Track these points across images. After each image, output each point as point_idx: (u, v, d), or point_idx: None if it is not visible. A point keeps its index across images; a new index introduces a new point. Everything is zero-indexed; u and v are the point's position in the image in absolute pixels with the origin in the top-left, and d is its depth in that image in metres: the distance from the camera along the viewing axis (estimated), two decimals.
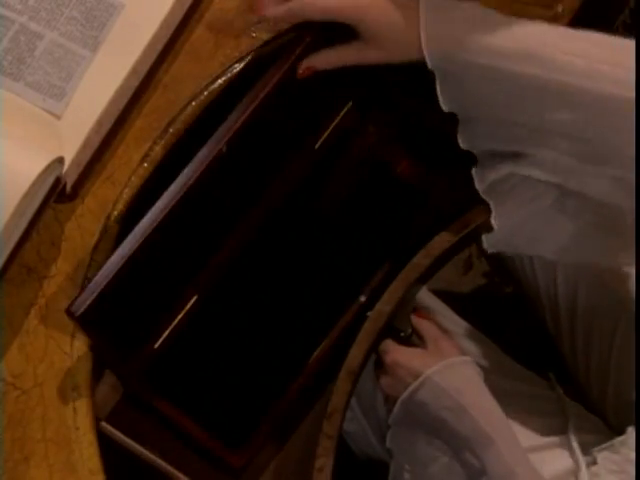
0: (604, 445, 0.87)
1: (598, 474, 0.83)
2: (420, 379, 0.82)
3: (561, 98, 0.72)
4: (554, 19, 0.89)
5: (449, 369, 0.82)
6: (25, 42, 0.82)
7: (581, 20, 0.90)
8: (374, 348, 0.89)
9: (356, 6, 0.75)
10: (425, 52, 0.74)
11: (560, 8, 0.89)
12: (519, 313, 1.21)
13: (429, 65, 0.75)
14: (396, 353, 0.87)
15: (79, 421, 0.81)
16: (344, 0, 0.75)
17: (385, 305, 0.87)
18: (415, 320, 0.90)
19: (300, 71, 0.80)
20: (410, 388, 0.83)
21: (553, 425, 0.92)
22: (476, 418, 0.80)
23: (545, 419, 0.93)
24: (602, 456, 0.85)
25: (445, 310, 1.05)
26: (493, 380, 0.95)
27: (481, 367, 0.97)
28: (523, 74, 0.72)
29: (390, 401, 0.86)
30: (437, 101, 0.79)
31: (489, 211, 0.88)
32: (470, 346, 1.02)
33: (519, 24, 0.74)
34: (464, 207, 0.89)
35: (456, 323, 1.04)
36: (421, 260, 0.88)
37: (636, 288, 0.91)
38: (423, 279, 0.92)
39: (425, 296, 1.04)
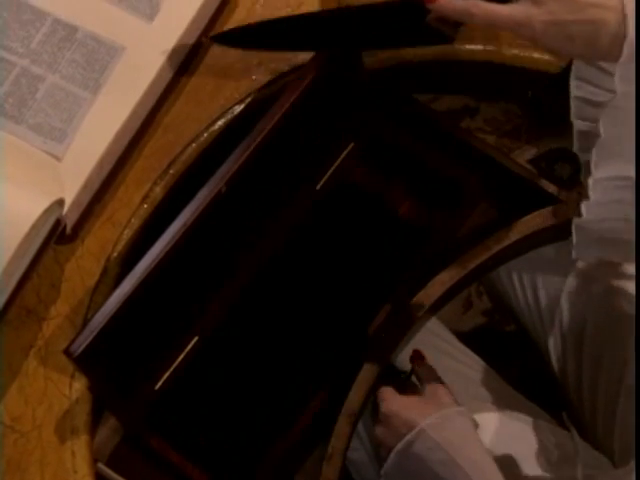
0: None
1: None
2: (414, 431, 0.82)
3: None
4: (550, 64, 0.89)
5: (444, 421, 0.82)
6: (27, 85, 0.83)
7: None
8: (374, 389, 0.88)
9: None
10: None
11: None
12: (520, 351, 1.21)
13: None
14: (391, 402, 0.86)
15: (77, 464, 0.80)
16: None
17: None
18: (414, 363, 0.90)
19: None
20: (404, 440, 0.82)
21: (563, 461, 0.92)
22: (469, 474, 0.79)
23: (555, 454, 0.93)
24: None
25: (452, 339, 1.05)
26: (504, 414, 0.95)
27: (492, 401, 0.97)
28: None
29: (384, 450, 0.85)
30: (440, 142, 0.79)
31: (489, 250, 0.88)
32: (479, 379, 1.01)
33: None
34: (465, 248, 0.89)
35: (465, 354, 1.04)
36: (421, 301, 0.88)
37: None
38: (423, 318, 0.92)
39: (434, 325, 1.04)
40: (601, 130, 0.77)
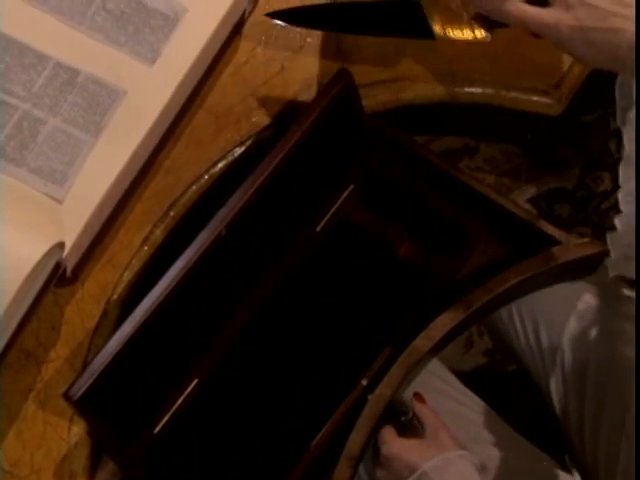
0: None
1: None
2: (416, 474, 0.81)
3: None
4: (549, 107, 0.90)
5: (445, 464, 0.82)
6: (28, 128, 0.83)
7: (577, 104, 0.91)
8: (375, 432, 0.88)
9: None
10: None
11: (558, 94, 0.90)
12: (521, 392, 1.20)
13: None
14: (392, 444, 0.86)
15: None
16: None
17: (385, 389, 0.86)
18: (415, 405, 0.89)
19: None
20: None
21: None
22: None
23: None
24: None
25: (453, 381, 1.05)
26: (506, 457, 0.94)
27: (494, 444, 0.97)
28: None
29: None
30: (440, 184, 0.78)
31: (491, 292, 0.88)
32: (481, 421, 1.01)
33: None
34: (465, 289, 0.89)
35: (467, 395, 1.03)
36: (422, 343, 0.87)
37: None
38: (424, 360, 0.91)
39: (436, 367, 1.03)
40: (625, 141, 0.77)
